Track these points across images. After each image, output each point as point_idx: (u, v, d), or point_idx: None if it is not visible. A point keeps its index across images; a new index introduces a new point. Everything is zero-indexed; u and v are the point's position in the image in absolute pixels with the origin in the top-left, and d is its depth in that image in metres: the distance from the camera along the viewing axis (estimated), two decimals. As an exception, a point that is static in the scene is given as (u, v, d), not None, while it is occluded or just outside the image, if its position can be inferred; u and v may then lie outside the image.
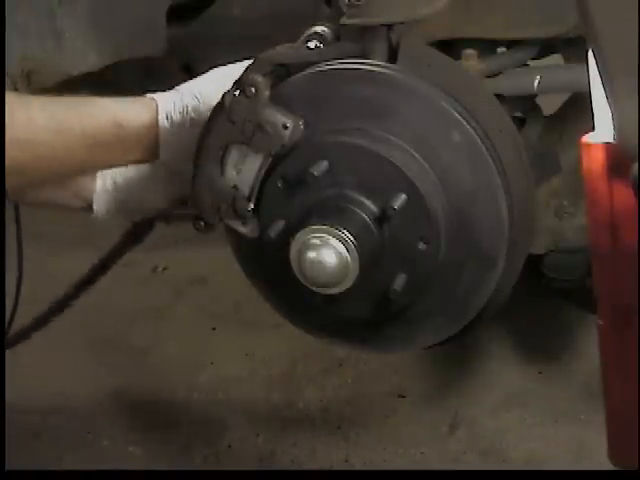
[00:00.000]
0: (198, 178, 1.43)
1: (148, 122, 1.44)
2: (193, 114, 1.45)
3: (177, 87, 1.49)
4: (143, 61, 2.30)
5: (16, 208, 1.85)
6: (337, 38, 1.51)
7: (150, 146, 1.46)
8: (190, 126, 1.44)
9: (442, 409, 2.39)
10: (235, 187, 1.41)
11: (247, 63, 1.40)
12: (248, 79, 1.37)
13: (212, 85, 1.45)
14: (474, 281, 1.41)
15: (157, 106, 1.45)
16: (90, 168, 1.49)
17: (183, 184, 1.45)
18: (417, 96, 1.37)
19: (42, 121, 1.35)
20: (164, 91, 1.49)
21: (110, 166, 1.49)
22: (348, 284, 1.34)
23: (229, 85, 1.38)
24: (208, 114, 1.41)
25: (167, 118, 1.45)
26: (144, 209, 1.56)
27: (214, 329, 2.79)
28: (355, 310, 1.44)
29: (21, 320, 2.02)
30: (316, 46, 1.48)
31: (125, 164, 1.49)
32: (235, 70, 1.42)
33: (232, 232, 1.46)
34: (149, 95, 1.48)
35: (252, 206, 1.41)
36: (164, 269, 3.14)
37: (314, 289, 1.37)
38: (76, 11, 2.17)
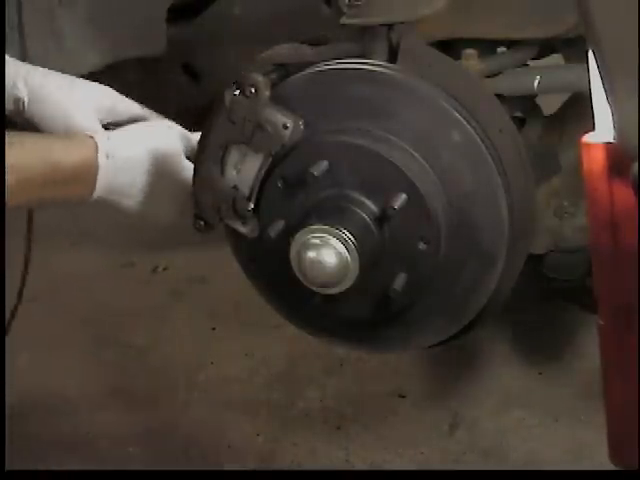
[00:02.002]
0: (198, 178, 1.43)
1: (84, 160, 1.44)
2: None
3: (126, 127, 1.50)
4: (143, 61, 2.30)
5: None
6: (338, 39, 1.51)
7: (87, 182, 1.45)
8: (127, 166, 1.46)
9: (442, 409, 2.39)
10: (235, 187, 1.41)
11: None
12: (248, 79, 1.37)
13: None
14: (474, 281, 1.41)
15: (96, 144, 1.45)
16: (25, 203, 1.49)
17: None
18: (417, 96, 1.37)
19: None
20: (165, 92, 1.49)
21: (45, 202, 1.48)
22: (348, 284, 1.34)
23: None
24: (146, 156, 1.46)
25: (107, 157, 1.44)
26: None
27: (214, 329, 2.78)
28: (355, 310, 1.44)
29: (21, 319, 2.02)
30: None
31: (62, 200, 1.47)
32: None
33: (232, 232, 1.46)
34: (87, 132, 1.47)
35: (252, 206, 1.41)
36: (164, 269, 3.14)
37: (314, 289, 1.37)
38: (76, 11, 2.16)
